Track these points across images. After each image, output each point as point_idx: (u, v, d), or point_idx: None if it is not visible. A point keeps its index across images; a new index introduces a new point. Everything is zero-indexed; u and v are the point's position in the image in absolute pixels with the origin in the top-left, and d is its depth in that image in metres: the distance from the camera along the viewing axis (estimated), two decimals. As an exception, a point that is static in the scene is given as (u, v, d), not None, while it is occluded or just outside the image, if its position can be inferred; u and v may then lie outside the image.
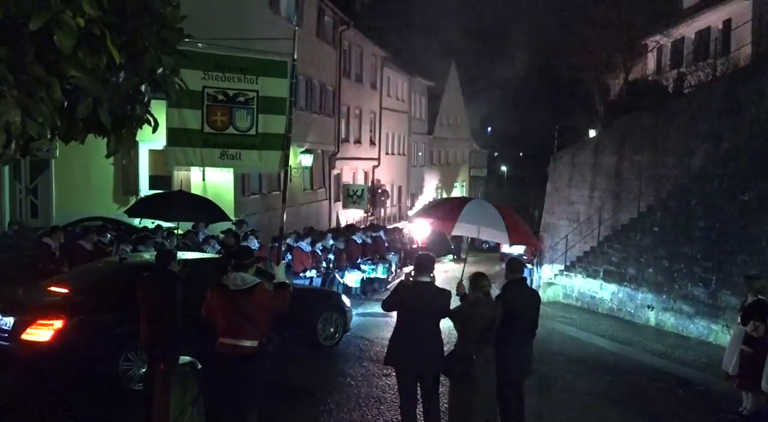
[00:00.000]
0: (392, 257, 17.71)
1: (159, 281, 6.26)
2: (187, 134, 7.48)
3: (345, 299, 10.90)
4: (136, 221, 15.04)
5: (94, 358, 7.08)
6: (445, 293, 5.78)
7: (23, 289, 8.17)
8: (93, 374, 7.15)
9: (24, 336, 6.78)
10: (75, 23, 2.86)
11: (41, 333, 6.80)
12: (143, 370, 7.25)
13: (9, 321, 6.93)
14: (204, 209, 9.92)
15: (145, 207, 10.38)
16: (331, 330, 10.01)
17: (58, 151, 16.74)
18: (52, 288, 7.71)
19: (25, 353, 6.80)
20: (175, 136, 7.50)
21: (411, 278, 5.85)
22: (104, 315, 7.26)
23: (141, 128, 4.12)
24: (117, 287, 7.58)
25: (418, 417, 5.99)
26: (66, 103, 3.18)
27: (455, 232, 6.01)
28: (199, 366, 6.07)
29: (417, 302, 5.67)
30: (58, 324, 6.83)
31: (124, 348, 7.16)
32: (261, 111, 7.63)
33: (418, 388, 5.86)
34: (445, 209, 6.37)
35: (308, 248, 13.93)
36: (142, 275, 6.42)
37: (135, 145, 16.73)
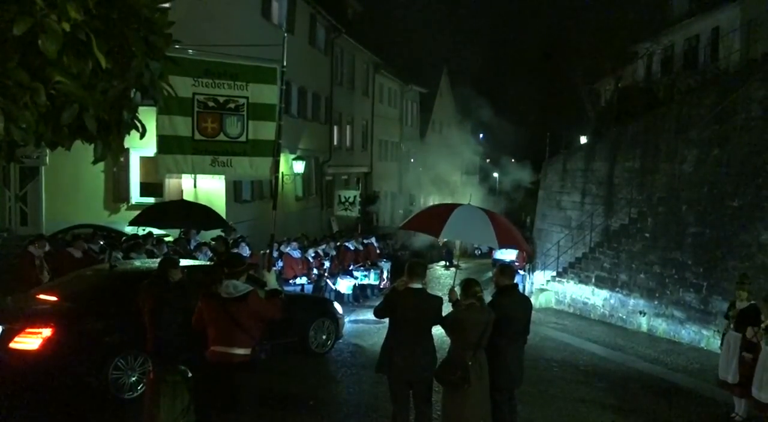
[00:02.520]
0: (384, 263, 17.62)
1: (155, 289, 6.21)
2: (178, 141, 7.45)
3: (337, 306, 10.84)
4: (127, 229, 15.00)
5: (84, 367, 7.00)
6: (437, 300, 5.75)
7: (11, 297, 8.07)
8: (82, 383, 7.07)
9: (12, 345, 6.67)
10: (60, 28, 2.82)
11: (30, 341, 6.69)
12: (133, 379, 7.19)
13: None
14: (203, 216, 9.91)
15: (147, 217, 10.29)
16: (323, 337, 9.93)
17: (48, 158, 16.64)
18: (41, 296, 7.62)
19: (14, 362, 6.70)
20: (165, 143, 7.46)
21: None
22: (93, 323, 7.17)
23: (129, 134, 4.08)
24: (106, 294, 7.52)
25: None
26: (51, 109, 3.13)
27: (443, 236, 5.99)
28: (190, 375, 6.01)
29: (408, 309, 5.64)
30: (47, 332, 6.73)
31: (114, 356, 7.08)
32: (251, 118, 7.61)
33: (411, 396, 5.81)
34: (434, 214, 6.36)
35: (298, 255, 13.87)
36: (142, 284, 6.36)
37: (126, 152, 16.71)
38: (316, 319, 9.86)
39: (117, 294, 7.40)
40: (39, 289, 8.11)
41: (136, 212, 16.82)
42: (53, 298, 7.49)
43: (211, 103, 7.47)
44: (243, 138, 7.63)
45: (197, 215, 9.76)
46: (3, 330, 6.80)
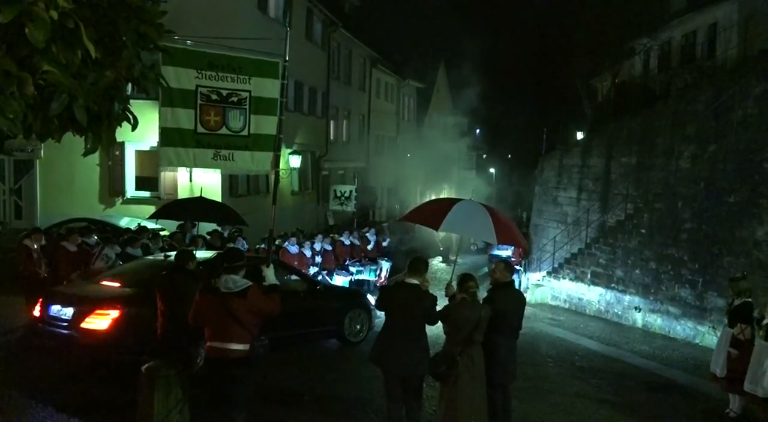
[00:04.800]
0: (384, 263, 17.24)
1: (176, 279, 6.31)
2: (180, 134, 7.39)
3: (370, 297, 11.14)
4: (122, 222, 14.94)
5: (143, 346, 7.11)
6: (429, 296, 5.71)
7: (78, 283, 8.59)
8: (141, 360, 7.22)
9: (84, 325, 7.24)
10: (48, 16, 2.76)
11: (100, 321, 7.26)
12: None
13: (68, 312, 7.38)
14: (221, 213, 9.96)
15: (166, 211, 10.22)
16: (357, 327, 10.33)
17: (42, 151, 16.56)
18: (105, 283, 8.18)
19: (85, 340, 7.20)
20: (168, 136, 7.39)
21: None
22: (153, 307, 7.32)
23: (120, 126, 4.02)
24: None
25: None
26: (39, 100, 3.07)
27: (443, 229, 5.97)
28: (184, 369, 5.98)
29: (400, 303, 5.64)
30: (115, 313, 7.27)
31: None
32: (253, 112, 7.55)
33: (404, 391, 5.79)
34: (434, 208, 6.34)
35: (295, 250, 13.81)
36: (160, 275, 6.50)
37: (121, 146, 16.63)
38: (352, 309, 10.33)
39: None
40: (101, 277, 8.64)
41: (131, 206, 16.91)
42: (117, 284, 8.01)
43: (214, 96, 7.40)
44: (245, 132, 7.59)
45: (215, 211, 9.83)
46: (74, 312, 7.33)
